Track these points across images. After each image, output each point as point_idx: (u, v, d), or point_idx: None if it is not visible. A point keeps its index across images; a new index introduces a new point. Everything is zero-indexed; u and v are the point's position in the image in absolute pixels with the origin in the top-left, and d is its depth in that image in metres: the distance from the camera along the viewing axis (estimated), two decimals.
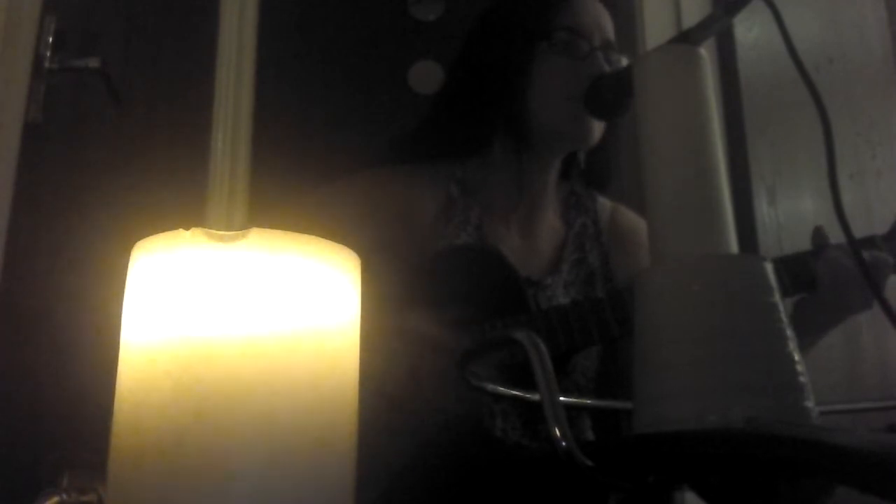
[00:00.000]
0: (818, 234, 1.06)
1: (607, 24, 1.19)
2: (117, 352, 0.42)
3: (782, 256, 1.05)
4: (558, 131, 1.18)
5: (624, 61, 1.17)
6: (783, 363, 0.51)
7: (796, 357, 0.51)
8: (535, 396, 0.55)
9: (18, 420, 1.28)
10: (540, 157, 1.21)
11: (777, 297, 0.53)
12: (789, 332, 0.52)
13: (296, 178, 1.31)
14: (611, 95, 1.07)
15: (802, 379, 0.51)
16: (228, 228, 0.40)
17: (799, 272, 1.01)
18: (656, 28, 1.63)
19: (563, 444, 0.48)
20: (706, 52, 0.62)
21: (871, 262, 0.97)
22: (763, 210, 1.59)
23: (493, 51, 1.19)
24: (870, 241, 1.02)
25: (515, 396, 0.74)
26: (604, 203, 1.30)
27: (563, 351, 1.03)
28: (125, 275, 0.42)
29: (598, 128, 1.17)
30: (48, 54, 1.35)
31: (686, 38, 0.67)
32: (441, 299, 1.04)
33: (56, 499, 0.75)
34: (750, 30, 1.66)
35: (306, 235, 0.42)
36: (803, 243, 1.07)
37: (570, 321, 1.02)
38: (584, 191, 1.29)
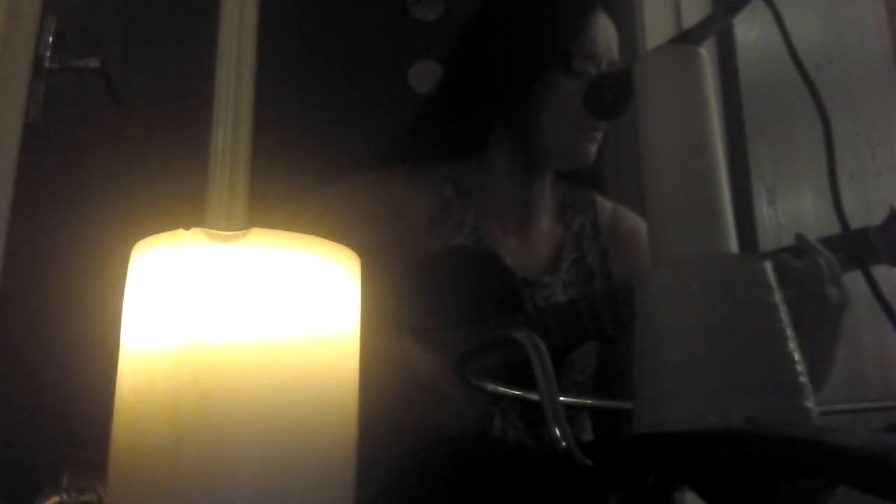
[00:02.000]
0: (800, 240, 1.05)
1: (614, 45, 1.19)
2: (117, 352, 0.42)
3: (763, 253, 1.05)
4: (563, 153, 1.19)
5: None
6: (783, 363, 0.51)
7: (796, 357, 0.51)
8: (535, 396, 0.55)
9: (18, 420, 1.28)
10: (538, 164, 1.22)
11: (777, 297, 0.53)
12: (789, 332, 0.52)
13: (296, 178, 1.31)
14: (611, 95, 1.07)
15: (802, 379, 0.51)
16: (228, 228, 0.41)
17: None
18: (656, 28, 1.63)
19: (563, 444, 0.48)
20: (706, 52, 0.62)
21: (815, 266, 0.97)
22: (763, 210, 1.59)
23: (507, 71, 1.18)
24: (863, 233, 1.02)
25: (515, 396, 0.74)
26: (603, 203, 1.30)
27: (560, 349, 1.03)
28: (125, 275, 0.42)
29: (596, 147, 1.19)
30: (48, 54, 1.35)
31: (686, 38, 0.67)
32: (438, 301, 1.04)
33: (56, 499, 0.75)
34: (750, 30, 1.66)
35: (306, 235, 0.42)
36: None
37: (564, 319, 1.02)
38: (581, 190, 1.29)
